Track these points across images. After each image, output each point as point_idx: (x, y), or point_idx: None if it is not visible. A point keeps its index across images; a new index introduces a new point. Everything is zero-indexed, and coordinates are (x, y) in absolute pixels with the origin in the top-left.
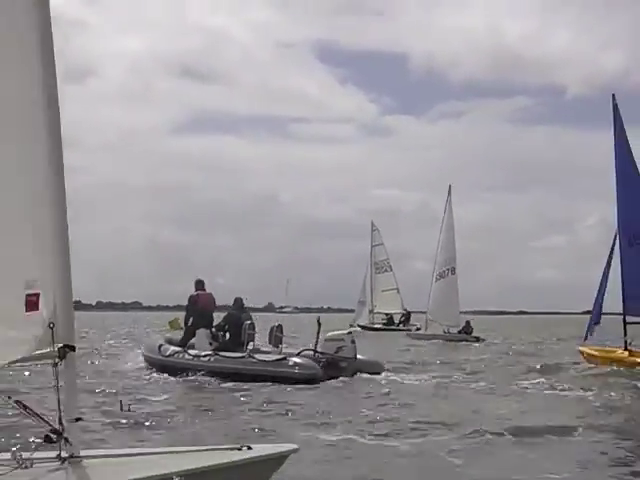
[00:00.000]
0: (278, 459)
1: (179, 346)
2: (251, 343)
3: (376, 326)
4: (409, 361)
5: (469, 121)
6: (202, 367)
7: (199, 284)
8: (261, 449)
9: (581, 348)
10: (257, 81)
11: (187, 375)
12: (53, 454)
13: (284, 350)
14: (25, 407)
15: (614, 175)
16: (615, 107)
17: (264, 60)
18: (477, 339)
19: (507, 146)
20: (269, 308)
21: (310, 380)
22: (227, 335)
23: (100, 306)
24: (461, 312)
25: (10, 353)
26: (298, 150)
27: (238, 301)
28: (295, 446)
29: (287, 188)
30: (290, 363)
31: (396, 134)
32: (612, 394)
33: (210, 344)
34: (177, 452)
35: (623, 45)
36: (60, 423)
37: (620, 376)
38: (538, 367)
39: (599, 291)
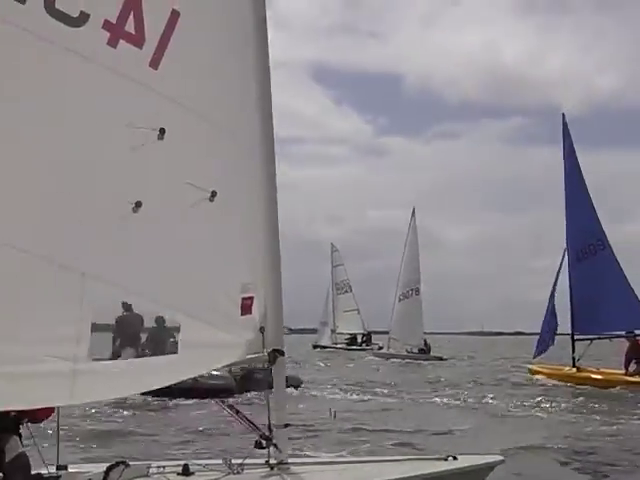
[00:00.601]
0: (485, 470)
1: None
2: None
3: (338, 346)
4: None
5: (464, 141)
6: None
7: None
8: (468, 460)
9: (531, 366)
10: None
11: None
12: (262, 460)
13: None
14: (237, 412)
15: (564, 192)
16: (565, 126)
17: None
18: (440, 358)
19: (503, 166)
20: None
21: (224, 391)
22: None
23: None
24: (456, 333)
25: (225, 356)
26: (293, 170)
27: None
28: (501, 457)
29: (282, 208)
30: (204, 374)
31: (391, 154)
32: (562, 410)
33: None
34: (383, 461)
35: (618, 66)
36: (269, 429)
37: (569, 393)
38: (491, 385)
39: (548, 310)
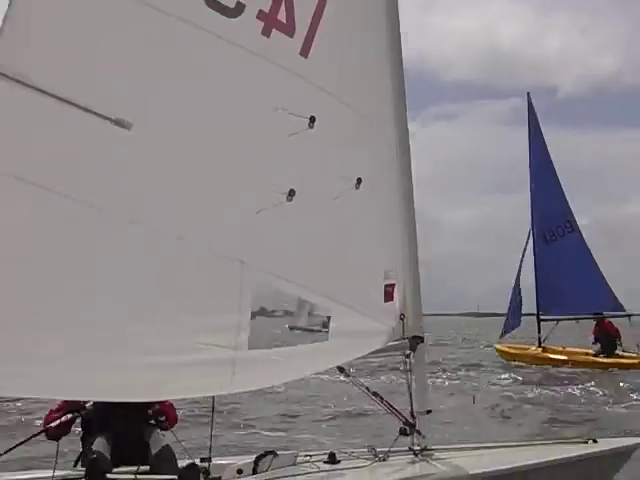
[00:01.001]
0: (626, 453)
1: None
2: None
3: None
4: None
5: (462, 123)
6: None
7: None
8: (609, 443)
9: (497, 346)
10: None
11: None
12: (405, 447)
13: None
14: (382, 399)
15: (529, 172)
16: (530, 105)
17: None
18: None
19: (500, 147)
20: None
21: None
22: None
23: None
24: (451, 314)
25: (372, 344)
26: None
27: None
28: None
29: None
30: None
31: None
32: (531, 391)
33: None
34: (524, 445)
35: (614, 47)
36: (412, 416)
37: (537, 373)
38: (459, 365)
39: (514, 291)
